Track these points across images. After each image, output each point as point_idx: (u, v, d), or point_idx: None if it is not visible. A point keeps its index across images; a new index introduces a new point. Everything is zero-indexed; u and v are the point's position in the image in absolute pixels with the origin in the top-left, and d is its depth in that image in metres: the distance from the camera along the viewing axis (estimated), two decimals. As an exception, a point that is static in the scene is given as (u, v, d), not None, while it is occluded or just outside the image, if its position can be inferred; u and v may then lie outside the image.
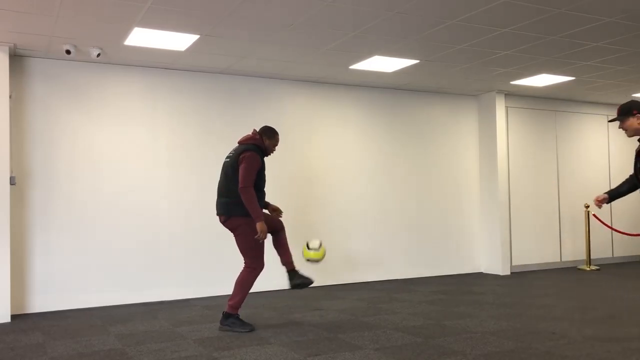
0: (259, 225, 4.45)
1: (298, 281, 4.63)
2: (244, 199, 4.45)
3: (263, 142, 4.72)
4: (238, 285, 4.57)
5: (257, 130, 4.81)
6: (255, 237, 4.48)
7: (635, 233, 9.11)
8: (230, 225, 4.62)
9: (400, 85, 7.37)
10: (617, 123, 4.22)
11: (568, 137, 8.67)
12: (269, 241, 4.73)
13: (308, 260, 4.76)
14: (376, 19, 4.70)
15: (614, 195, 4.15)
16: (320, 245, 4.75)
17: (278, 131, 4.67)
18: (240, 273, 4.60)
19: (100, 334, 4.55)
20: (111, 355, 3.91)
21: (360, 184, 7.28)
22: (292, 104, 6.91)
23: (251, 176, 4.48)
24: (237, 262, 6.47)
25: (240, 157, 4.56)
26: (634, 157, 4.09)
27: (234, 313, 4.59)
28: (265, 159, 4.61)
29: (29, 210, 5.58)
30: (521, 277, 7.53)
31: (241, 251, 4.62)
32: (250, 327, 4.57)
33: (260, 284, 6.59)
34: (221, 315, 4.70)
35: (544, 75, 6.85)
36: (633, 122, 3.78)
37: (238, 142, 4.80)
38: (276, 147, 4.85)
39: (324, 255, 4.78)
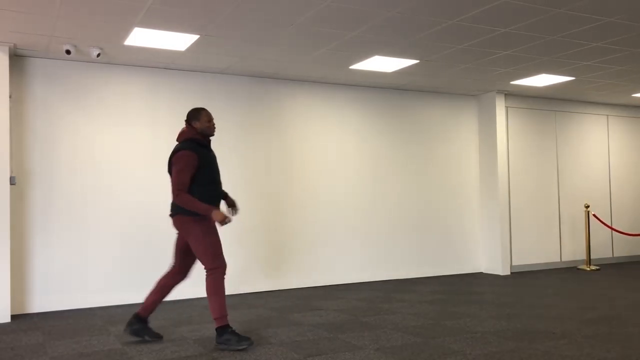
0: (215, 215, 3.98)
1: (137, 327, 4.24)
2: (181, 204, 4.02)
3: (195, 130, 4.21)
4: (209, 296, 4.07)
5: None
6: (222, 225, 3.98)
7: (635, 233, 9.11)
8: (177, 226, 4.15)
9: (400, 85, 7.37)
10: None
11: (568, 137, 8.67)
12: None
13: None
14: (376, 19, 4.70)
15: None
16: None
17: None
18: (205, 281, 4.11)
19: (100, 334, 4.55)
20: (111, 355, 3.91)
21: (359, 183, 7.28)
22: (292, 104, 6.90)
23: (185, 178, 4.02)
24: (237, 263, 6.48)
25: (173, 159, 4.14)
26: None
27: (224, 325, 4.06)
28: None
29: (29, 210, 5.58)
30: (521, 277, 7.53)
31: (197, 254, 4.10)
32: (248, 342, 4.04)
33: (260, 284, 6.60)
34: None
35: (544, 75, 6.85)
36: None
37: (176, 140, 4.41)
38: (213, 122, 4.28)
39: None
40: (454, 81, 7.16)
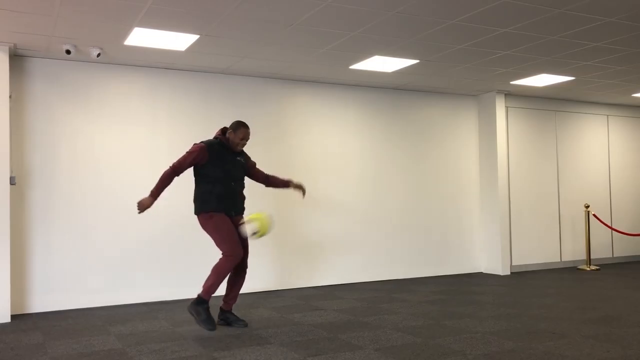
0: (143, 198, 4.46)
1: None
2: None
3: (226, 136, 4.68)
4: (212, 271, 4.52)
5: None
6: (138, 208, 4.45)
7: (635, 233, 9.11)
8: (199, 223, 4.67)
9: (400, 85, 7.37)
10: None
11: (568, 137, 8.67)
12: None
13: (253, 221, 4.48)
14: (376, 19, 4.70)
15: None
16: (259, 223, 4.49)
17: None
18: (219, 259, 4.55)
19: (100, 334, 4.55)
20: (111, 355, 3.91)
21: (360, 183, 7.28)
22: (292, 104, 6.91)
23: (183, 162, 4.56)
24: (237, 262, 6.47)
25: None
26: None
27: (205, 298, 4.47)
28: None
29: (29, 210, 5.58)
30: (521, 277, 7.54)
31: (216, 245, 4.61)
32: (211, 327, 4.44)
33: (260, 284, 6.60)
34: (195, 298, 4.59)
35: (544, 75, 6.85)
36: None
37: None
38: (244, 141, 4.69)
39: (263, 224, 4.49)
40: (454, 81, 7.16)
